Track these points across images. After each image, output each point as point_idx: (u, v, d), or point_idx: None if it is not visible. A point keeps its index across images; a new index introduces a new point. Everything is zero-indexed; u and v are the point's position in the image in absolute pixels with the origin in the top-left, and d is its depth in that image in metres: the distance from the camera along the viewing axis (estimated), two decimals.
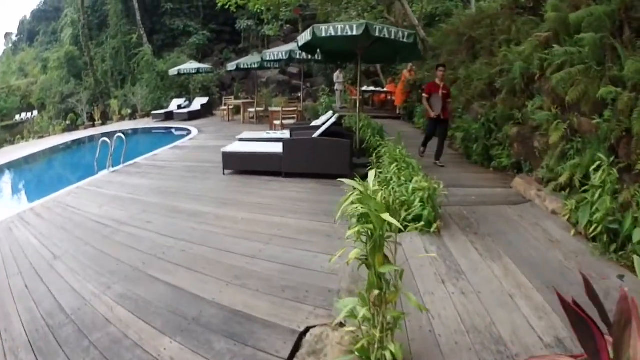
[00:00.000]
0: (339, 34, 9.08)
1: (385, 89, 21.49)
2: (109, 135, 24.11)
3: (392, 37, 9.23)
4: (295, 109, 17.29)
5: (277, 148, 10.20)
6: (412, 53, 11.22)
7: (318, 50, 12.35)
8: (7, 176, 19.08)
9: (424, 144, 11.05)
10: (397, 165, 7.83)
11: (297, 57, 15.34)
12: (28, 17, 69.53)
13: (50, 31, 57.40)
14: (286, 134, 12.04)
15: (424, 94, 10.45)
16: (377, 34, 9.00)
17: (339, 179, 3.93)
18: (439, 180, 6.89)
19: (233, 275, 5.34)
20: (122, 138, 13.00)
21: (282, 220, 7.25)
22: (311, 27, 9.41)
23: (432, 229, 6.13)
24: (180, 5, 34.81)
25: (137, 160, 13.71)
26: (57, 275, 5.84)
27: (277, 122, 16.52)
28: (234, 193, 9.19)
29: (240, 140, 12.30)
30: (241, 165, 10.82)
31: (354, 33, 8.85)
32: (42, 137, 28.02)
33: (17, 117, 45.64)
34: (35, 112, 41.24)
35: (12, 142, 30.21)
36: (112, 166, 12.61)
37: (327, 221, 6.88)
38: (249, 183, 9.91)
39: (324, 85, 25.38)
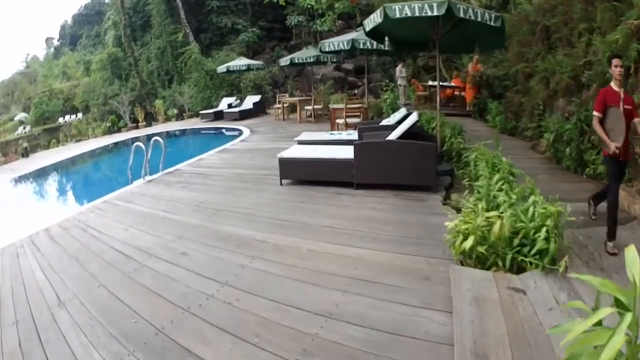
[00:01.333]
0: (416, 14, 7.47)
1: (450, 84, 19.37)
2: (151, 137, 23.28)
3: (478, 18, 7.61)
4: (359, 106, 14.99)
5: (345, 153, 8.37)
6: (495, 40, 9.49)
7: (386, 38, 10.66)
8: (31, 187, 17.75)
9: (597, 198, 6.21)
10: (502, 178, 5.89)
11: (361, 46, 13.22)
12: (69, 21, 70.20)
13: (93, 34, 57.98)
14: (353, 135, 10.33)
15: (595, 113, 5.47)
16: (461, 15, 7.44)
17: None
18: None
19: (301, 349, 3.58)
20: (160, 142, 11.40)
21: (360, 253, 5.34)
22: (382, 8, 7.84)
23: (559, 268, 4.35)
24: (227, 3, 33.72)
25: (179, 166, 12.19)
26: (59, 332, 4.38)
27: (340, 121, 14.42)
28: (294, 211, 7.22)
29: (300, 142, 10.60)
30: (302, 174, 8.92)
31: (434, 13, 7.32)
32: (79, 140, 26.65)
33: (61, 119, 45.76)
34: (80, 115, 41.12)
35: (46, 147, 29.12)
36: (149, 174, 11.18)
37: (420, 253, 5.19)
38: (312, 197, 8.03)
39: (384, 80, 23.47)
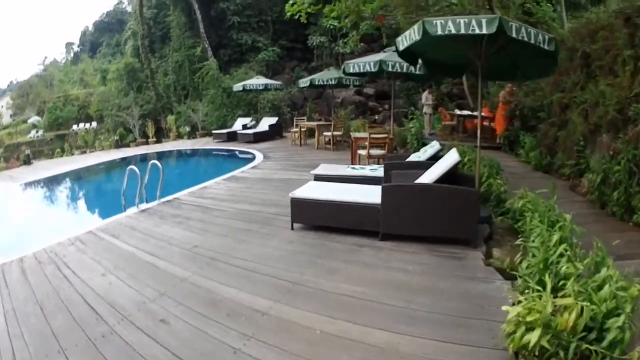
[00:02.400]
0: (462, 31, 6.14)
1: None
2: (161, 155, 22.45)
3: (532, 40, 6.31)
4: (384, 136, 13.12)
5: (369, 195, 7.12)
6: (545, 66, 8.07)
7: (419, 60, 9.24)
8: (21, 201, 16.34)
9: None
10: (563, 239, 4.64)
11: (389, 68, 11.65)
12: (90, 28, 70.44)
13: (113, 43, 58.13)
14: (377, 171, 9.07)
15: None
16: (513, 34, 6.14)
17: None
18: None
19: None
20: (158, 166, 10.08)
21: (391, 340, 4.08)
22: (420, 23, 6.50)
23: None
24: (248, 19, 33.04)
25: (179, 195, 10.93)
26: None
27: (362, 152, 12.81)
28: (307, 268, 5.89)
29: (316, 177, 9.25)
30: (318, 219, 7.53)
31: (483, 31, 6.04)
32: (84, 152, 25.53)
33: (75, 127, 45.22)
34: (94, 124, 40.66)
35: (51, 156, 27.98)
36: (146, 200, 10.10)
37: (465, 341, 3.96)
38: (330, 249, 6.66)
39: (407, 107, 22.41)
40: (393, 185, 7.26)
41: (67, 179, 18.98)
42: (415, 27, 6.68)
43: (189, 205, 9.93)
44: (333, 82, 17.72)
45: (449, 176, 6.86)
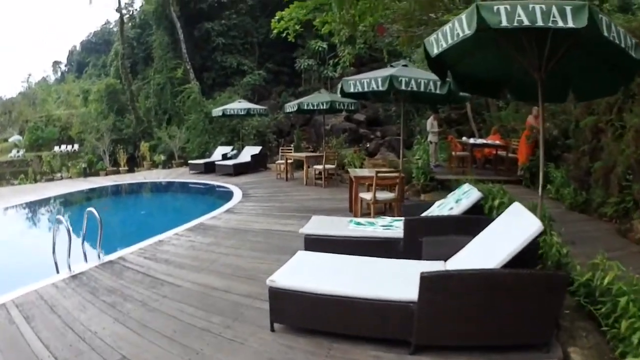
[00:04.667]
0: (538, 23, 4.00)
1: (494, 142, 15.59)
2: (137, 185, 19.64)
3: (622, 42, 4.28)
4: (395, 175, 9.67)
5: (392, 280, 4.60)
6: (609, 82, 5.98)
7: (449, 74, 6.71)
8: None
9: None
10: None
11: (403, 86, 8.67)
12: (78, 47, 68.64)
13: (100, 64, 56.84)
14: (393, 229, 6.43)
15: None
16: (604, 32, 4.06)
17: None
18: None
19: None
20: (95, 215, 7.72)
21: None
22: (473, 8, 4.19)
23: None
24: (233, 41, 31.29)
25: (127, 252, 8.22)
26: None
27: (365, 196, 9.52)
28: None
29: (308, 241, 6.53)
30: (313, 320, 4.66)
31: (568, 24, 3.93)
32: (50, 179, 22.66)
33: (56, 148, 43.56)
34: (77, 146, 38.90)
35: (8, 181, 25.11)
36: (85, 258, 7.89)
37: None
38: None
39: (407, 135, 20.14)
40: (443, 275, 4.34)
41: (18, 214, 15.25)
42: (464, 16, 4.33)
43: (133, 271, 7.21)
44: (324, 107, 15.11)
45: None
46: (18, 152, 49.39)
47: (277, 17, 17.76)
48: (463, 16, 4.33)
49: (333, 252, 5.58)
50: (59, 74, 75.22)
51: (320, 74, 29.47)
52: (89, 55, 63.39)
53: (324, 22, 16.63)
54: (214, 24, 30.62)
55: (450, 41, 4.68)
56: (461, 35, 4.45)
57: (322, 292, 4.43)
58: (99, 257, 7.72)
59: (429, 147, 15.00)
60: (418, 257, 5.33)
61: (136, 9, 39.14)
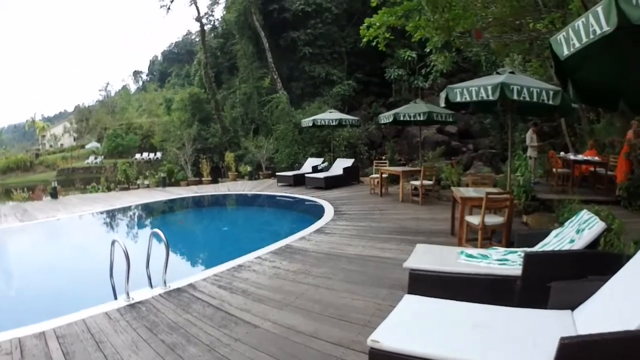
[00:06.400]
0: None
1: (593, 158, 14.45)
2: (218, 197, 19.29)
3: None
4: (505, 197, 8.45)
5: (527, 338, 3.43)
6: None
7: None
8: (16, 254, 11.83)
9: None
10: None
11: (515, 95, 7.68)
12: (159, 57, 71.13)
13: (183, 74, 58.52)
14: (510, 264, 5.27)
15: None
16: None
17: None
18: None
19: None
20: (160, 236, 6.70)
21: None
22: None
23: None
24: (321, 50, 31.56)
25: (198, 278, 7.29)
26: None
27: (473, 221, 8.59)
28: None
29: (412, 280, 5.23)
30: None
31: None
32: (125, 188, 22.51)
33: (138, 155, 45.12)
34: (159, 154, 40.08)
35: (83, 189, 24.94)
36: (150, 283, 6.96)
37: None
38: None
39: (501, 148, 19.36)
40: (587, 341, 2.89)
41: (83, 222, 14.60)
42: (600, 9, 3.65)
43: (204, 303, 6.22)
44: (421, 118, 14.47)
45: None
46: (96, 158, 51.77)
47: (365, 25, 17.44)
48: (599, 9, 3.71)
49: (442, 290, 4.74)
50: (140, 83, 78.10)
51: (411, 84, 29.12)
52: (171, 65, 65.59)
53: (416, 27, 16.08)
54: (300, 33, 30.99)
55: (584, 40, 4.00)
56: (598, 32, 3.79)
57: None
58: (165, 283, 6.80)
59: (528, 162, 14.07)
60: (537, 300, 4.36)
61: (217, 19, 40.50)
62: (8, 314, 6.70)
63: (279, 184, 20.16)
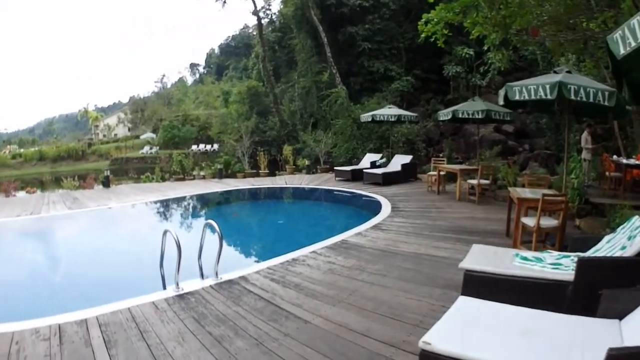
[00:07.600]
0: None
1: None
2: (276, 190, 19.76)
3: None
4: (561, 199, 8.33)
5: (584, 344, 3.44)
6: None
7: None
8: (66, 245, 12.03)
9: None
10: None
11: (572, 95, 7.87)
12: (216, 50, 72.22)
13: (241, 67, 59.15)
14: (563, 268, 5.11)
15: None
16: None
17: None
18: None
19: None
20: (214, 227, 6.76)
21: None
22: None
23: None
24: (379, 46, 31.64)
25: (251, 270, 7.39)
26: None
27: (528, 222, 8.41)
28: None
29: (467, 281, 5.10)
30: None
31: None
32: (181, 179, 23.11)
33: (194, 147, 45.95)
34: (216, 146, 40.75)
35: (137, 179, 25.32)
36: (201, 274, 7.14)
37: None
38: None
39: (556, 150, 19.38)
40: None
41: (135, 212, 15.22)
42: None
43: (255, 296, 6.25)
44: (480, 116, 14.78)
45: None
46: (151, 148, 53.11)
47: (423, 20, 17.44)
48: None
49: (495, 292, 4.85)
50: (197, 75, 79.44)
51: (468, 82, 29.28)
52: (228, 58, 66.38)
53: (474, 24, 16.13)
54: (358, 28, 31.27)
55: None
56: None
57: None
58: (217, 275, 6.92)
59: (583, 164, 14.15)
60: (586, 307, 4.52)
61: (274, 13, 41.01)
62: (51, 301, 7.06)
63: (337, 178, 20.51)
